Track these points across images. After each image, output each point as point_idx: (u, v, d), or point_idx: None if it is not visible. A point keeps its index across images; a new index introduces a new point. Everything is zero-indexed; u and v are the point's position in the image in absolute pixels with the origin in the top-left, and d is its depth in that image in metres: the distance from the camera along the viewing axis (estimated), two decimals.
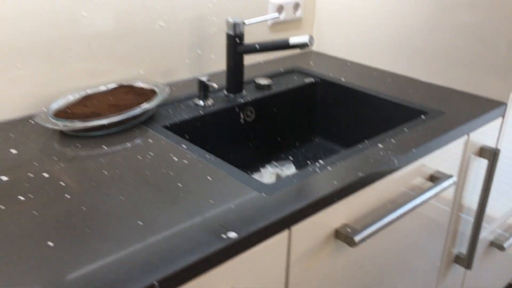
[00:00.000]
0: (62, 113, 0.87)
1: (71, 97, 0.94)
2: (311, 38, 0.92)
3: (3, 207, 0.65)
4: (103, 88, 0.99)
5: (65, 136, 0.86)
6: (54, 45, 0.93)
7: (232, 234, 0.60)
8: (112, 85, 1.00)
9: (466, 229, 1.15)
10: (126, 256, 0.56)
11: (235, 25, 1.01)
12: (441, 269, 1.12)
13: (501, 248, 1.28)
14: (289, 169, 1.10)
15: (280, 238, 0.66)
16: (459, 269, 1.19)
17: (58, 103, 0.91)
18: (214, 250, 0.57)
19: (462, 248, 1.16)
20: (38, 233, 0.60)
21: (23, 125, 0.89)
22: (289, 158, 1.16)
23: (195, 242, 0.58)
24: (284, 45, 0.96)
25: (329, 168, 0.76)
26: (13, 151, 0.80)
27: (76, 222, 0.62)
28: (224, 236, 0.60)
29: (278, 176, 1.07)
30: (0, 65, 0.87)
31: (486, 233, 1.23)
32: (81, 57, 0.97)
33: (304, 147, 1.21)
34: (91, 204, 0.65)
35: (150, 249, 0.57)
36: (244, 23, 1.02)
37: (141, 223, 0.62)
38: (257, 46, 1.00)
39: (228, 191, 0.69)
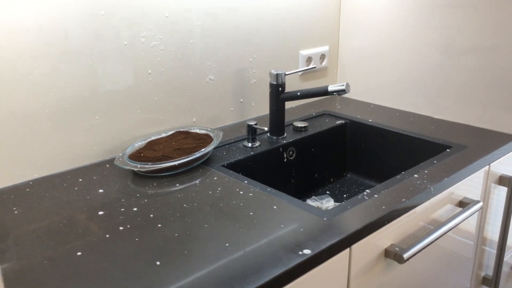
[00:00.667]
0: (136, 157, 1.00)
1: (138, 143, 1.08)
2: (347, 85, 1.06)
3: (108, 236, 0.77)
4: (164, 134, 1.12)
5: (140, 176, 0.98)
6: (124, 99, 1.07)
7: (307, 251, 0.71)
8: (171, 132, 1.13)
9: (492, 253, 1.25)
10: (221, 270, 0.67)
11: (277, 76, 1.16)
12: None
13: None
14: (328, 202, 1.21)
15: (343, 255, 0.77)
16: None
17: (130, 149, 1.04)
18: (294, 264, 0.69)
19: (488, 270, 1.26)
20: (145, 255, 0.71)
21: (102, 169, 1.02)
22: (326, 193, 1.28)
23: (277, 258, 0.70)
24: (323, 92, 1.10)
25: (375, 195, 0.89)
26: (100, 190, 0.92)
27: (174, 245, 0.74)
28: (300, 252, 0.71)
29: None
30: (81, 116, 1.01)
31: (510, 256, 1.33)
32: (145, 109, 1.11)
33: (338, 182, 1.34)
34: (181, 231, 0.77)
35: (240, 264, 0.68)
36: (285, 74, 1.16)
37: (227, 244, 0.73)
38: (298, 93, 1.14)
39: (294, 217, 0.81)
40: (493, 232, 1.21)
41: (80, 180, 0.97)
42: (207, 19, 1.17)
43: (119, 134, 1.08)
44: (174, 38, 1.12)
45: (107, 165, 1.04)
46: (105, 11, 0.99)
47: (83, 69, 0.99)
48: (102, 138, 1.05)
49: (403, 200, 0.87)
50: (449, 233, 1.03)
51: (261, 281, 0.65)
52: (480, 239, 1.17)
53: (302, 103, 1.47)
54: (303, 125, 1.25)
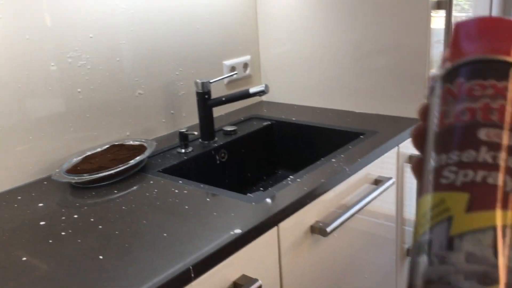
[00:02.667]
0: (73, 171, 1.05)
1: (75, 159, 1.12)
2: (266, 86, 1.16)
3: (51, 241, 0.81)
4: (99, 149, 1.17)
5: (78, 189, 1.03)
6: (56, 119, 1.11)
7: (238, 231, 0.80)
8: (106, 146, 1.19)
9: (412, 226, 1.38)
10: (161, 256, 0.74)
11: (202, 84, 1.25)
12: (397, 261, 1.34)
13: None
14: None
15: (271, 233, 0.86)
16: None
17: (66, 165, 1.09)
18: (227, 242, 0.77)
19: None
20: (88, 252, 0.77)
21: (39, 186, 1.06)
22: (260, 190, 1.37)
23: (211, 239, 0.77)
24: (246, 95, 1.20)
25: (298, 180, 0.98)
26: (40, 204, 0.96)
27: (115, 241, 0.79)
28: (232, 232, 0.79)
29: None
30: (14, 139, 1.05)
31: None
32: (78, 126, 1.16)
33: (270, 179, 1.43)
34: (121, 229, 0.83)
35: (179, 249, 0.76)
36: (209, 82, 1.25)
37: (165, 234, 0.80)
38: (223, 98, 1.23)
39: (225, 205, 0.89)
40: (410, 212, 1.35)
41: (19, 197, 1.00)
42: (131, 37, 1.24)
43: (55, 152, 1.12)
44: (100, 57, 1.18)
45: (45, 182, 1.07)
46: (30, 36, 1.04)
47: (11, 97, 1.03)
48: (38, 158, 1.09)
49: (322, 180, 0.97)
50: (370, 208, 1.15)
51: (197, 260, 0.72)
52: (400, 215, 1.30)
53: (230, 110, 1.56)
54: (232, 129, 1.34)
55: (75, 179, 1.01)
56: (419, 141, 0.29)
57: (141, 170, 1.10)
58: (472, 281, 0.22)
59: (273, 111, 1.53)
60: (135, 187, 1.01)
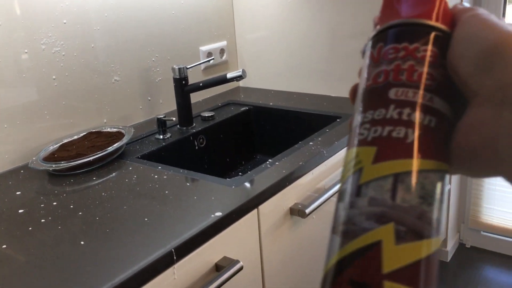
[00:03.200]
0: (50, 158, 1.04)
1: (52, 147, 1.11)
2: (244, 71, 1.17)
3: (30, 228, 0.81)
4: (76, 136, 1.16)
5: (56, 176, 1.02)
6: (31, 107, 1.10)
7: (218, 213, 0.81)
8: (83, 133, 1.18)
9: None
10: (143, 240, 0.75)
11: (179, 70, 1.24)
12: None
13: None
14: None
15: (251, 215, 0.87)
16: None
17: (43, 153, 1.08)
18: (208, 225, 0.78)
19: None
20: (69, 238, 0.77)
21: (16, 174, 1.05)
22: (239, 175, 1.38)
23: (192, 222, 0.78)
24: (223, 80, 1.20)
25: (277, 163, 1.00)
26: (18, 192, 0.95)
27: (96, 227, 0.79)
28: (212, 215, 0.80)
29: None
30: None
31: None
32: (54, 114, 1.15)
33: (249, 164, 1.44)
34: (102, 214, 0.83)
35: (161, 233, 0.76)
36: (186, 68, 1.25)
37: (146, 219, 0.81)
38: (201, 84, 1.23)
39: (205, 189, 0.90)
40: None
41: None
42: (105, 23, 1.23)
43: (31, 140, 1.11)
44: (75, 43, 1.17)
45: (22, 171, 1.06)
46: (1, 22, 1.02)
47: None
48: (14, 146, 1.08)
49: (301, 163, 0.99)
50: None
51: (179, 242, 0.73)
52: None
53: (207, 96, 1.56)
54: (210, 115, 1.35)
55: (53, 166, 1.00)
56: (354, 99, 0.32)
57: (119, 156, 1.10)
58: (371, 221, 0.25)
59: (250, 97, 1.53)
60: (114, 174, 1.01)
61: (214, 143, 1.33)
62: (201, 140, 1.29)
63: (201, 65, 1.48)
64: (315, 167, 1.03)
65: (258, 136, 1.46)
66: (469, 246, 2.06)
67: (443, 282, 1.87)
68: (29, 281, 0.67)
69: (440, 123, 0.27)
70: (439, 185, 0.27)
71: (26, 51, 1.07)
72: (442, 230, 0.26)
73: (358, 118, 0.28)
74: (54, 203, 0.89)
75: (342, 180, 0.28)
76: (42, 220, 0.83)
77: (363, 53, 0.31)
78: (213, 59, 1.34)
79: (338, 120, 1.24)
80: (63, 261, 0.71)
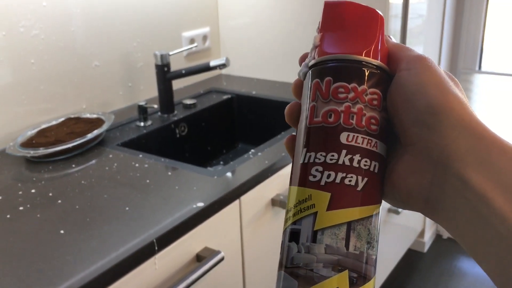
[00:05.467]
0: (28, 144, 1.02)
1: (29, 133, 1.08)
2: (227, 59, 1.16)
3: (8, 216, 0.79)
4: (54, 122, 1.14)
5: (34, 163, 1.00)
6: (8, 90, 1.07)
7: (200, 204, 0.80)
8: (61, 119, 1.15)
9: None
10: (123, 229, 0.74)
11: (161, 56, 1.22)
12: None
13: (396, 212, 1.59)
14: None
15: (233, 206, 0.87)
16: None
17: (21, 138, 1.05)
18: (190, 215, 0.77)
19: None
20: (48, 227, 0.75)
21: None
22: (220, 163, 1.38)
23: (174, 212, 0.78)
24: (206, 68, 1.19)
25: (259, 154, 1.00)
26: None
27: (76, 216, 0.78)
28: (194, 206, 0.80)
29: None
30: None
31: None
32: (32, 99, 1.12)
33: (230, 153, 1.44)
34: (82, 203, 0.82)
35: (142, 222, 0.76)
36: (169, 54, 1.23)
37: (127, 208, 0.80)
38: (183, 71, 1.22)
39: (187, 179, 0.89)
40: None
41: None
42: (85, 6, 1.20)
43: (7, 125, 1.08)
44: (54, 26, 1.14)
45: None
46: None
47: None
48: None
49: (283, 154, 0.99)
50: None
51: (161, 232, 0.73)
52: None
53: (190, 83, 1.55)
54: (192, 102, 1.33)
55: (30, 153, 0.98)
56: (292, 118, 0.32)
57: (99, 144, 1.08)
58: (329, 269, 0.27)
59: (233, 85, 1.52)
60: (93, 161, 0.99)
61: (196, 131, 1.32)
62: (182, 128, 1.28)
63: (184, 51, 1.46)
64: None
65: (240, 124, 1.46)
66: (445, 237, 2.10)
67: (419, 272, 1.91)
68: (8, 269, 0.66)
69: (381, 166, 0.29)
70: (378, 226, 0.29)
71: (4, 33, 1.04)
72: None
73: (306, 156, 0.29)
74: (32, 191, 0.87)
75: (292, 218, 0.29)
76: (21, 208, 0.82)
77: (303, 76, 0.32)
78: (196, 46, 1.32)
79: None
80: (43, 249, 0.70)
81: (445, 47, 1.86)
